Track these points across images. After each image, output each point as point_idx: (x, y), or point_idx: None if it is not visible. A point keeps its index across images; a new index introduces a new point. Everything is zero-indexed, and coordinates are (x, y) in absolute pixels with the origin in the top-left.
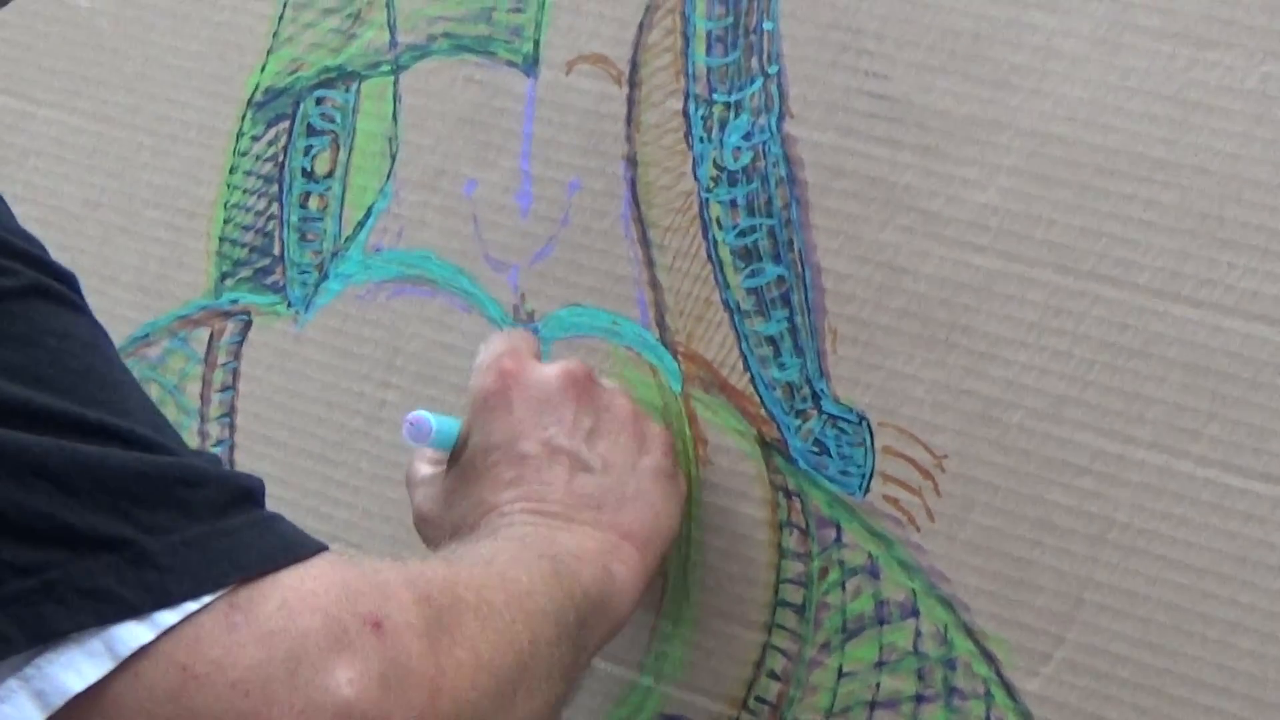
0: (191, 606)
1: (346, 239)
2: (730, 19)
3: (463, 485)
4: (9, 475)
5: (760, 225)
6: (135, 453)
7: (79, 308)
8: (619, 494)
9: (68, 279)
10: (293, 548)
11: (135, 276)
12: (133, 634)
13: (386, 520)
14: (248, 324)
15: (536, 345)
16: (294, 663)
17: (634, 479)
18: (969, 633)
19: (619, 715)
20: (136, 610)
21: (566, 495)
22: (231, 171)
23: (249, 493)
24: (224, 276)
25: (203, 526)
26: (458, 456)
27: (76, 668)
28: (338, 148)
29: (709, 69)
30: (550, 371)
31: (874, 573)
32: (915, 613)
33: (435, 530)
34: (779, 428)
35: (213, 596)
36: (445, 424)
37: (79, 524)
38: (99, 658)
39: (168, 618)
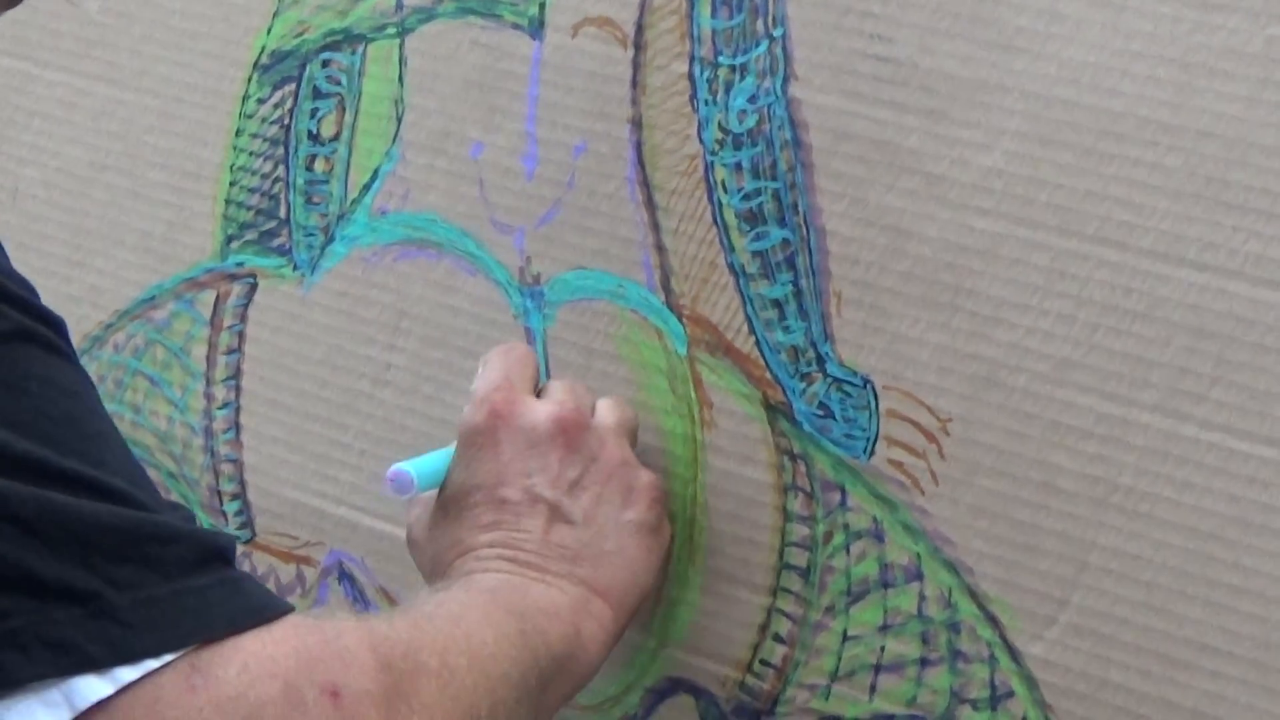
0: (152, 664)
1: (352, 202)
2: None
3: (444, 520)
4: None
5: (765, 188)
6: (108, 505)
7: (65, 354)
8: (597, 548)
9: (56, 324)
10: (258, 610)
11: (141, 239)
12: (92, 687)
13: None
14: (253, 287)
15: (534, 368)
16: None
17: (614, 534)
18: (973, 596)
19: (625, 678)
20: (97, 664)
21: (543, 546)
22: (237, 134)
23: (219, 552)
24: (230, 239)
25: (170, 584)
26: (445, 486)
27: (33, 717)
28: (343, 110)
29: (714, 31)
30: (541, 414)
31: (878, 536)
32: (919, 576)
33: (418, 554)
34: (784, 391)
35: (174, 655)
36: (428, 468)
37: (46, 573)
38: (57, 708)
39: (128, 674)
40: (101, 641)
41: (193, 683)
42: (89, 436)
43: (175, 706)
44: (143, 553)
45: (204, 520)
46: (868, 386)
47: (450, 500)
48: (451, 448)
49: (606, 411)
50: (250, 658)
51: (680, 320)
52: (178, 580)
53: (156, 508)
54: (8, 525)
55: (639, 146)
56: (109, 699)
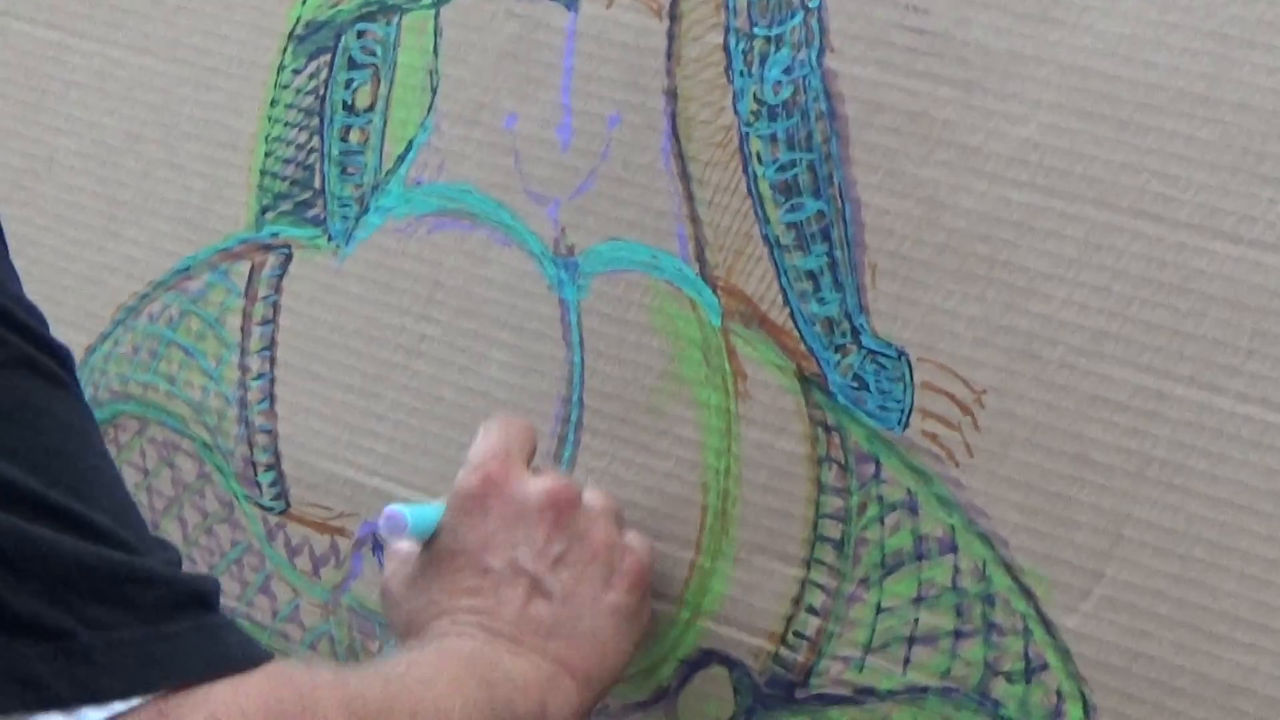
0: (119, 707)
1: (387, 172)
2: None
3: (424, 579)
4: None
5: (800, 160)
6: (90, 544)
7: (67, 387)
8: (572, 627)
9: (62, 356)
10: (232, 659)
11: (176, 210)
12: None
13: (425, 454)
14: (288, 257)
15: (532, 442)
16: None
17: (591, 614)
18: (1008, 569)
19: (658, 650)
20: (63, 702)
21: (519, 618)
22: (272, 105)
23: (200, 597)
24: (264, 210)
25: (145, 627)
26: (430, 545)
27: None
28: (378, 81)
29: (749, 2)
30: (534, 487)
31: (913, 508)
32: (954, 548)
33: (392, 609)
34: (818, 363)
35: (141, 700)
36: (423, 516)
37: (20, 608)
38: None
39: (93, 715)
40: (68, 680)
41: None
42: (81, 471)
43: None
44: (120, 594)
45: (238, 491)
46: (902, 358)
47: (433, 561)
48: (443, 506)
49: (595, 496)
50: (219, 708)
51: (714, 292)
52: (153, 624)
53: (142, 548)
54: None
55: (674, 118)
56: None
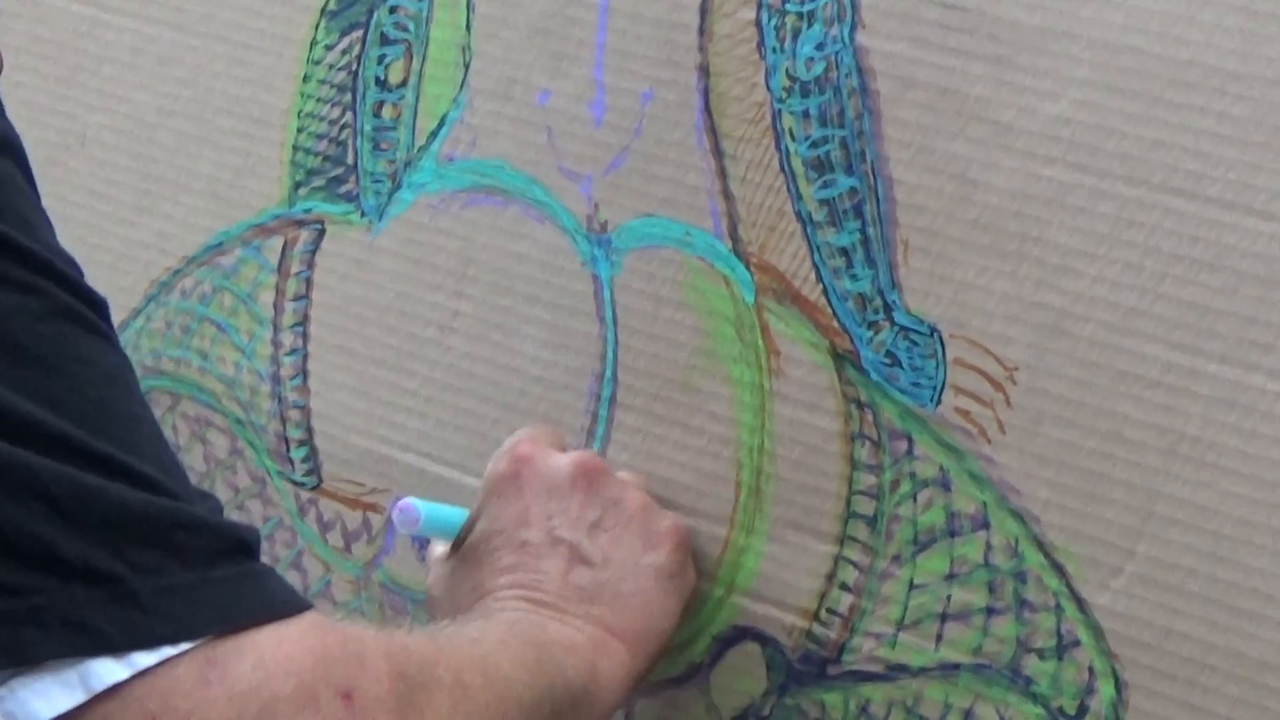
0: (169, 651)
1: (420, 148)
2: None
3: (464, 568)
4: (10, 494)
5: (832, 136)
6: (137, 491)
7: (106, 336)
8: (615, 590)
9: (99, 305)
10: (277, 606)
11: (209, 185)
12: (108, 670)
13: (459, 430)
14: (321, 233)
15: (559, 437)
16: None
17: (633, 576)
18: (1039, 545)
19: (692, 626)
20: (114, 647)
21: (562, 586)
22: (305, 80)
23: (243, 545)
24: (298, 185)
25: (192, 574)
26: (464, 540)
27: (48, 695)
28: (411, 56)
29: None
30: (563, 460)
31: (945, 485)
32: (986, 525)
33: (437, 611)
34: (851, 339)
35: (191, 645)
36: (439, 513)
37: (71, 553)
38: (72, 689)
39: (144, 659)
40: (120, 625)
41: (207, 676)
42: (124, 421)
43: (189, 697)
44: (167, 540)
45: (270, 467)
46: (935, 335)
47: (471, 547)
48: (465, 510)
49: (624, 472)
50: (266, 654)
51: (748, 268)
52: (200, 570)
53: (186, 496)
54: (37, 502)
55: (706, 94)
56: (124, 683)
